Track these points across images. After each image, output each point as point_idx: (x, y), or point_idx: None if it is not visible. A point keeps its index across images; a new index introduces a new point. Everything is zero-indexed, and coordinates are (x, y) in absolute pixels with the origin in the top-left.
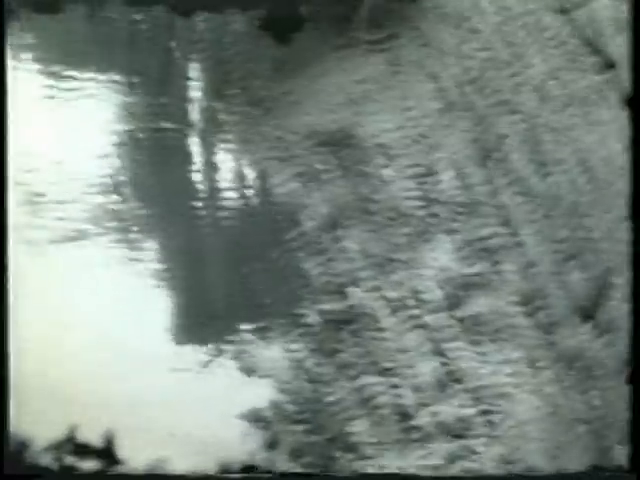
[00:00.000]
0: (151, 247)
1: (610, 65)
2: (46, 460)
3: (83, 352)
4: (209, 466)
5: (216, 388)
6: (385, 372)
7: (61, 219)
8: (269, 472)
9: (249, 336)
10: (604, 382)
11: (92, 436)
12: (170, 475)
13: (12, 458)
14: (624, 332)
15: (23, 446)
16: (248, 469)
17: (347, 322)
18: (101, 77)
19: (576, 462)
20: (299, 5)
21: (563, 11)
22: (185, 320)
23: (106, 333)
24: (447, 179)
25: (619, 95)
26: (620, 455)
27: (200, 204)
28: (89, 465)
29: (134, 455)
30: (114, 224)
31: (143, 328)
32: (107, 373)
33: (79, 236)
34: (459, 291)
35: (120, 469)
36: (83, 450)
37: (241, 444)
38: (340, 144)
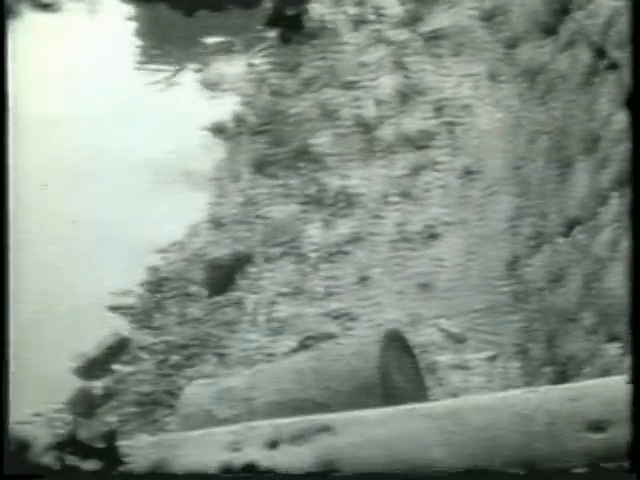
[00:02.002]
0: None
1: None
2: (47, 460)
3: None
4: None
5: (180, 102)
6: (348, 85)
7: None
8: (269, 472)
9: (213, 50)
10: (566, 95)
11: (93, 435)
12: (170, 475)
13: (12, 458)
14: (586, 46)
15: (23, 446)
16: (248, 469)
17: (310, 37)
18: None
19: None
20: None
21: None
22: (148, 39)
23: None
24: None
25: None
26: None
27: None
28: (90, 465)
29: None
30: None
31: (112, 60)
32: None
33: None
34: (420, 7)
35: (121, 469)
36: (84, 449)
37: (205, 155)
38: None
